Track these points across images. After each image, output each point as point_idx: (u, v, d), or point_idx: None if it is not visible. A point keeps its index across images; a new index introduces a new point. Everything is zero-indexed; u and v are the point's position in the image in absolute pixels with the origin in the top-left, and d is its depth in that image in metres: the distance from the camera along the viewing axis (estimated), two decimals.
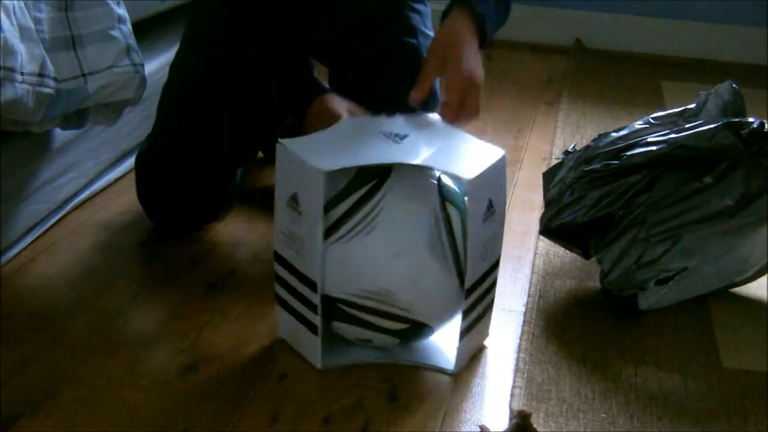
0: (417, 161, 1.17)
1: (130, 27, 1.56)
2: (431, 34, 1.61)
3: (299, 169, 1.16)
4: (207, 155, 1.56)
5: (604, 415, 1.18)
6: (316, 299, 1.19)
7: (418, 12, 1.61)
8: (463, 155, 1.22)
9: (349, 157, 1.18)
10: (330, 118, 1.33)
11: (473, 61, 1.31)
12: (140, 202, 1.62)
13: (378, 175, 1.20)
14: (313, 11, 1.55)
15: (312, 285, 1.18)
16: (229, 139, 1.57)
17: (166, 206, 1.60)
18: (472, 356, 1.29)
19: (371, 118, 1.30)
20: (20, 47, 1.33)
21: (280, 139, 1.20)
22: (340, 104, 1.40)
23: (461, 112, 1.30)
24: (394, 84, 1.38)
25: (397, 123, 1.28)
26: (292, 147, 1.19)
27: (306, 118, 1.42)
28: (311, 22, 1.57)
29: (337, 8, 1.56)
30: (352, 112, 1.37)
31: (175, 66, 1.62)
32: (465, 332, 1.24)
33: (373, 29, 1.57)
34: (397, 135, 1.23)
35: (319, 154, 1.17)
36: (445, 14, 1.35)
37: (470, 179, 1.14)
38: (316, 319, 1.20)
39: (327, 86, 1.78)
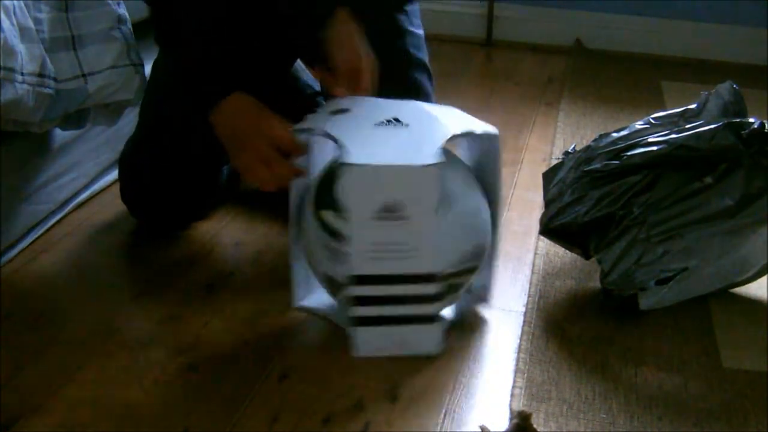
0: (457, 132, 1.24)
1: (131, 27, 1.56)
2: (419, 32, 1.63)
3: (395, 175, 1.18)
4: (189, 155, 1.55)
5: (604, 415, 1.18)
6: (431, 289, 1.23)
7: (404, 11, 1.62)
8: (468, 121, 1.30)
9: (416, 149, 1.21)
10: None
11: (365, 45, 1.37)
12: (123, 200, 1.61)
13: None
14: (305, 14, 1.55)
15: (429, 277, 1.23)
16: (209, 139, 1.57)
17: (150, 205, 1.59)
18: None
19: (351, 116, 1.29)
20: (20, 47, 1.33)
21: (345, 161, 1.18)
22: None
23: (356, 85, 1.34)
24: (383, 87, 1.38)
25: (384, 110, 1.29)
26: (363, 160, 1.17)
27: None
28: (302, 25, 1.57)
29: (327, 12, 1.55)
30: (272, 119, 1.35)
31: (156, 65, 1.61)
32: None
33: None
34: (397, 120, 1.25)
35: (392, 155, 1.19)
36: (326, 22, 1.39)
37: (497, 134, 1.29)
38: (433, 308, 1.26)
39: (317, 89, 1.78)
